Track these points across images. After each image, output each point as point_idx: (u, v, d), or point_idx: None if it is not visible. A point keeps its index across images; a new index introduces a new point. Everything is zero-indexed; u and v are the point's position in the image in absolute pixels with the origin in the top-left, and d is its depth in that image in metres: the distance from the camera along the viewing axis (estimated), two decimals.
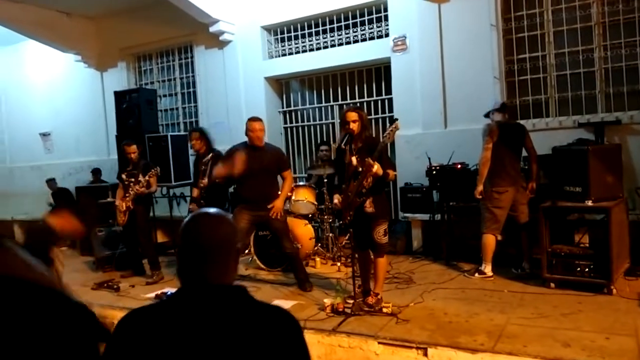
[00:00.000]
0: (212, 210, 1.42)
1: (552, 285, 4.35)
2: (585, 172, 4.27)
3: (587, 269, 4.20)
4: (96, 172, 8.43)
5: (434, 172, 5.65)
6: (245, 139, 4.80)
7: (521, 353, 3.10)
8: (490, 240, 4.78)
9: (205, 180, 5.29)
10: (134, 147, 5.69)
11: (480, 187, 4.80)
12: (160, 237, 7.59)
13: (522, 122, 5.42)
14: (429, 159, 5.71)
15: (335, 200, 4.10)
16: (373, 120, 6.69)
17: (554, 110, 5.72)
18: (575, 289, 4.19)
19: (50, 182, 8.76)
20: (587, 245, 4.58)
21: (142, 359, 1.21)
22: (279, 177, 4.97)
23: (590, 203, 4.25)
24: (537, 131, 5.46)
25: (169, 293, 4.80)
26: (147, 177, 5.44)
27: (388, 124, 3.89)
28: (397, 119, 3.85)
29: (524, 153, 4.95)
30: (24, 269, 1.17)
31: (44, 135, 10.08)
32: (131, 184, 5.51)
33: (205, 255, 1.31)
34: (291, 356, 1.27)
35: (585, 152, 4.33)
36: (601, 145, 4.96)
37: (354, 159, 3.89)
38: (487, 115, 4.97)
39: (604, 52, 5.42)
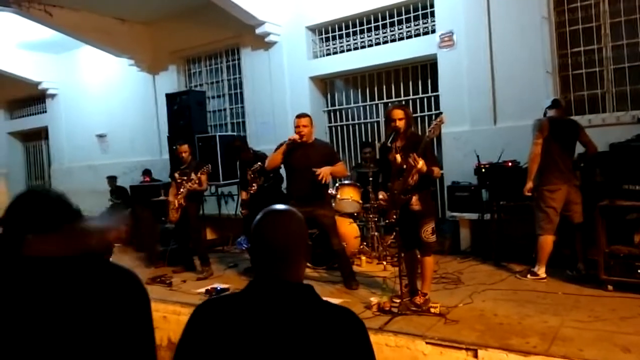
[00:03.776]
0: (282, 207, 1.43)
1: (610, 287, 4.16)
2: None
3: None
4: (147, 172, 8.67)
5: (483, 170, 5.52)
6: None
7: (577, 357, 2.98)
8: (547, 242, 4.62)
9: (255, 187, 5.75)
10: (185, 147, 5.89)
11: (529, 184, 4.65)
12: (210, 235, 7.80)
13: (577, 118, 5.23)
14: (478, 156, 5.58)
15: (380, 196, 4.08)
16: (419, 118, 6.61)
17: (611, 106, 5.46)
18: (635, 292, 3.99)
19: (111, 179, 9.04)
20: None
21: (213, 347, 1.26)
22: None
23: None
24: (593, 127, 5.22)
25: (218, 288, 4.96)
26: (199, 175, 5.62)
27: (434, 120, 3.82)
28: (442, 113, 3.77)
29: (579, 150, 4.75)
30: (96, 237, 1.28)
31: (100, 136, 10.60)
32: (184, 181, 5.70)
33: (276, 253, 1.34)
34: (357, 357, 1.29)
35: None
36: None
37: (398, 157, 3.86)
38: (545, 115, 4.83)
39: None
